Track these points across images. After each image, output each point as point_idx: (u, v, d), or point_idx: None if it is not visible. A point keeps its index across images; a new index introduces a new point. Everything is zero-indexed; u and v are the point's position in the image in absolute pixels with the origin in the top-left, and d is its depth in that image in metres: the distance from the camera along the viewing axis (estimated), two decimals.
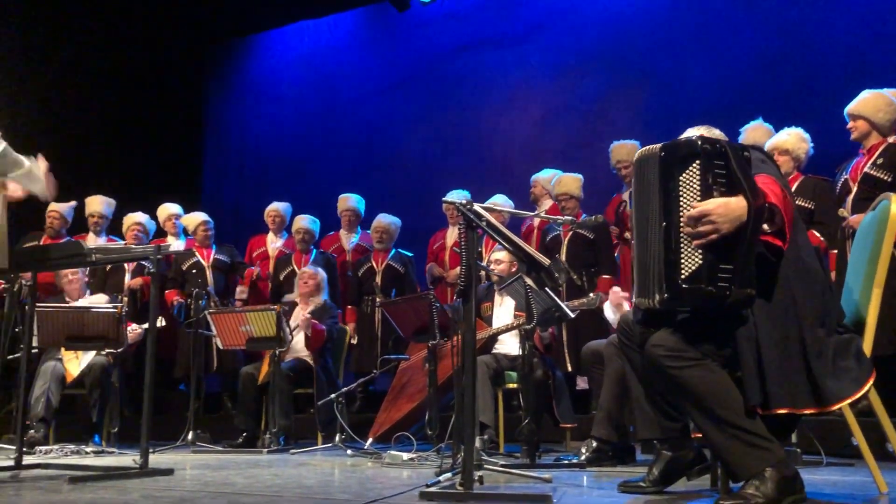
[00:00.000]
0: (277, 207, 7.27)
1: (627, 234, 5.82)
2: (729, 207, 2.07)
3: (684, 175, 2.15)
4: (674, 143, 2.23)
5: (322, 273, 5.90)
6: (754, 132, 5.04)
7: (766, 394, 2.18)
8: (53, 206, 6.64)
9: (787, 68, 6.97)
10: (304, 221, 6.84)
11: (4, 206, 3.20)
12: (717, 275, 2.09)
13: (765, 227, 2.19)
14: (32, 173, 3.20)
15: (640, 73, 7.80)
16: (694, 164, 2.14)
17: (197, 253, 6.86)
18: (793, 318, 2.25)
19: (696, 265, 2.11)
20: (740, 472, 2.19)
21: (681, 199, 2.15)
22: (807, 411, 2.20)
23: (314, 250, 6.81)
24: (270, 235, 7.33)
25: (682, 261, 2.13)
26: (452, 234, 6.73)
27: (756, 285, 2.16)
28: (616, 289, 4.60)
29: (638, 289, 2.35)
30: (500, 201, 6.33)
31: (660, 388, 2.59)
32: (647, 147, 2.31)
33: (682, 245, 2.13)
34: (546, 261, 2.78)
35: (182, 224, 7.21)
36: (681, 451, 2.69)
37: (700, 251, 2.10)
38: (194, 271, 6.75)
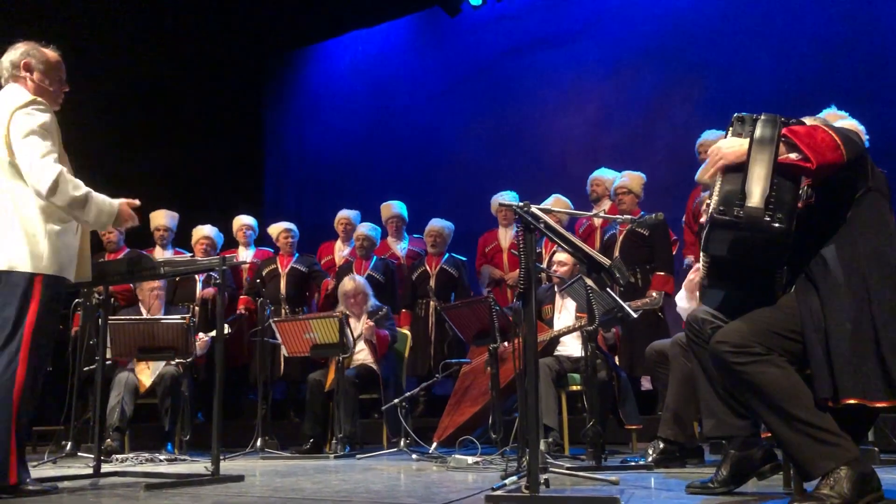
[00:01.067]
0: (347, 215, 7.34)
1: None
2: (730, 140, 2.33)
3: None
4: None
5: (359, 279, 5.88)
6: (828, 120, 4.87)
7: (836, 384, 2.12)
8: None
9: (852, 54, 6.76)
10: (364, 228, 6.90)
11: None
12: (733, 202, 2.21)
13: (791, 156, 2.23)
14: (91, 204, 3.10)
15: (697, 67, 7.67)
16: (729, 130, 2.41)
17: (277, 260, 7.00)
18: (866, 309, 2.18)
19: (716, 200, 2.26)
20: (812, 471, 2.13)
21: None
22: (879, 405, 2.12)
23: (374, 257, 6.88)
24: (338, 243, 7.42)
25: (712, 202, 2.31)
26: (506, 236, 6.75)
27: (787, 213, 2.16)
28: (697, 266, 3.91)
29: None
30: (551, 201, 6.28)
31: (727, 385, 2.54)
32: None
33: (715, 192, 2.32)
34: (606, 261, 2.75)
35: (254, 234, 7.40)
36: (749, 451, 2.64)
37: (719, 188, 2.26)
38: (257, 280, 6.88)
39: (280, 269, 6.94)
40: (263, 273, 6.95)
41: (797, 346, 2.22)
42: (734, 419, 2.61)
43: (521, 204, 2.69)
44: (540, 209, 2.72)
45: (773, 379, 2.17)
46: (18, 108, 3.05)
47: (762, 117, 2.28)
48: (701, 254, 2.42)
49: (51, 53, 3.30)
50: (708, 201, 2.36)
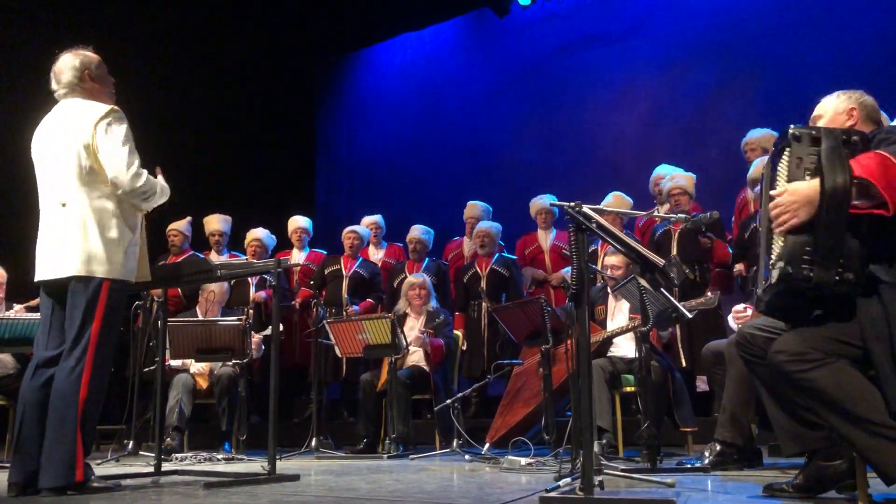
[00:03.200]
0: (374, 219, 7.48)
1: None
2: (797, 193, 2.10)
3: (780, 164, 2.22)
4: (780, 134, 2.27)
5: (427, 278, 5.97)
6: None
7: None
8: (173, 224, 6.97)
9: None
10: (417, 231, 6.97)
11: (143, 223, 3.41)
12: (801, 257, 2.08)
13: (858, 203, 2.08)
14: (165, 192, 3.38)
15: (752, 62, 7.52)
16: (786, 153, 2.21)
17: (341, 261, 7.01)
18: None
19: (779, 249, 2.14)
20: (892, 473, 2.03)
21: (777, 187, 2.21)
22: None
23: (426, 259, 6.92)
24: (371, 248, 7.48)
25: (773, 246, 2.18)
26: (546, 238, 6.77)
27: (857, 265, 2.06)
28: (739, 308, 3.94)
29: (758, 277, 2.39)
30: (611, 200, 6.23)
31: (791, 397, 2.45)
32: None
33: (773, 231, 2.19)
34: (660, 261, 2.72)
35: (308, 237, 7.52)
36: (833, 462, 2.50)
37: (782, 236, 2.13)
38: (311, 281, 6.95)
39: (343, 271, 6.96)
40: (326, 272, 6.99)
41: (858, 351, 2.14)
42: (810, 432, 2.45)
43: (572, 204, 2.67)
44: (592, 209, 2.70)
45: (839, 382, 2.08)
46: (101, 119, 3.19)
47: (824, 143, 2.11)
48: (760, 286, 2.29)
49: (95, 56, 3.41)
50: (769, 259, 2.21)
